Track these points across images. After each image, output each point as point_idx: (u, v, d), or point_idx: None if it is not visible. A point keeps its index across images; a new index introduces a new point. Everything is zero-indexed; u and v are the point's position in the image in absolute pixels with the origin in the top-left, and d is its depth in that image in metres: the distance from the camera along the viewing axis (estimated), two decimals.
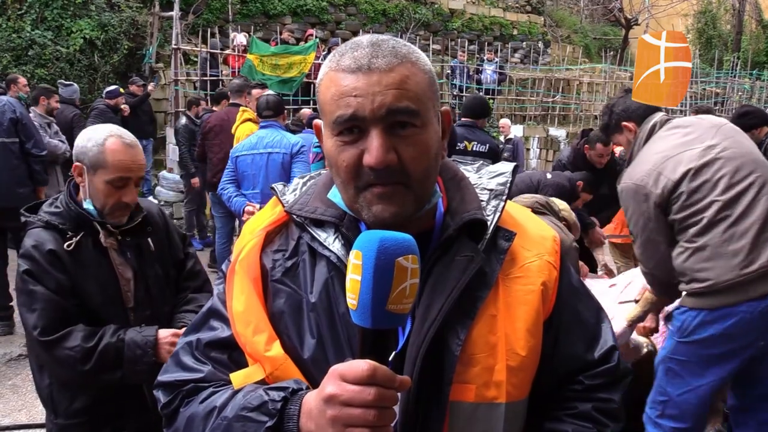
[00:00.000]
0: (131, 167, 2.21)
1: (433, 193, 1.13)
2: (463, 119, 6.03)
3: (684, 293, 2.82)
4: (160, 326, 2.24)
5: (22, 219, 2.19)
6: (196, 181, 8.41)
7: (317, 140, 1.22)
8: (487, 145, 5.92)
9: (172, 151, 10.21)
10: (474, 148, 5.79)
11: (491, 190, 1.20)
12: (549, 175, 5.15)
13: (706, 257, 2.69)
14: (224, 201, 5.48)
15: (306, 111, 9.06)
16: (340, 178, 1.08)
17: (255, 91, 6.07)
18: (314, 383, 1.05)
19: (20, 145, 5.61)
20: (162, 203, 10.54)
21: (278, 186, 1.25)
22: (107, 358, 2.09)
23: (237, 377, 1.11)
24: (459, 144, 5.74)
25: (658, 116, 3.13)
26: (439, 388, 1.07)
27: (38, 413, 4.27)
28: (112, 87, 9.64)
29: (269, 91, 6.38)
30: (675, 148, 2.84)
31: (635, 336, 3.32)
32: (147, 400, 2.22)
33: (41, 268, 2.10)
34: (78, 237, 2.16)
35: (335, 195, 1.14)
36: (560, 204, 3.54)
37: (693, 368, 2.78)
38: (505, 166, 1.25)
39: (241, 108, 6.15)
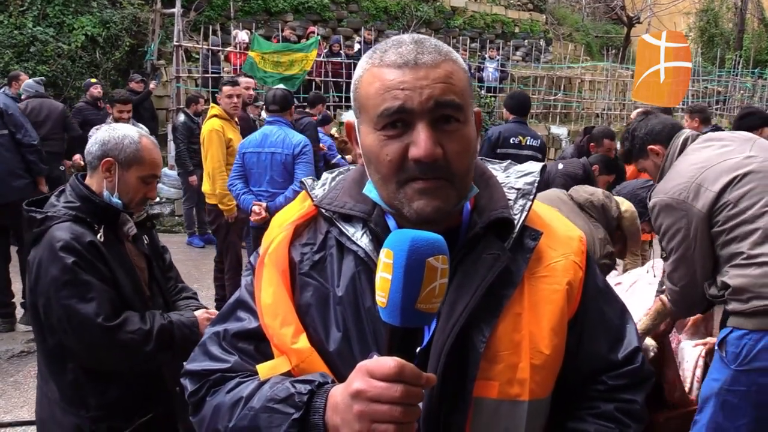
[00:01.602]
0: (159, 165, 2.39)
1: (471, 188, 1.14)
2: (513, 116, 6.19)
3: (738, 315, 2.55)
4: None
5: (38, 216, 2.20)
6: (194, 178, 8.42)
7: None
8: (539, 140, 6.14)
9: (173, 149, 10.22)
10: (528, 143, 5.90)
11: (519, 189, 1.21)
12: (561, 165, 5.11)
13: None
14: (233, 196, 5.52)
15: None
16: (380, 174, 1.08)
17: (242, 80, 6.04)
18: (339, 376, 1.06)
19: (10, 136, 5.50)
20: (163, 200, 10.56)
21: (308, 180, 1.27)
22: (163, 339, 2.21)
23: (263, 368, 1.13)
24: (513, 138, 5.91)
25: (687, 131, 2.94)
26: (463, 384, 1.08)
27: None
28: (87, 81, 9.52)
29: (248, 80, 6.30)
30: (712, 159, 2.67)
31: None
32: (168, 385, 2.30)
33: (87, 259, 2.14)
34: (102, 230, 2.24)
35: (371, 191, 1.15)
36: (625, 205, 3.10)
37: (755, 397, 2.52)
38: (533, 166, 1.26)
39: (211, 104, 6.13)
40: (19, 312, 5.63)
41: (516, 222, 1.15)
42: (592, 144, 5.84)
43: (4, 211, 5.40)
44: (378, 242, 1.11)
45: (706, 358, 3.56)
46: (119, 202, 2.30)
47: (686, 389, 3.46)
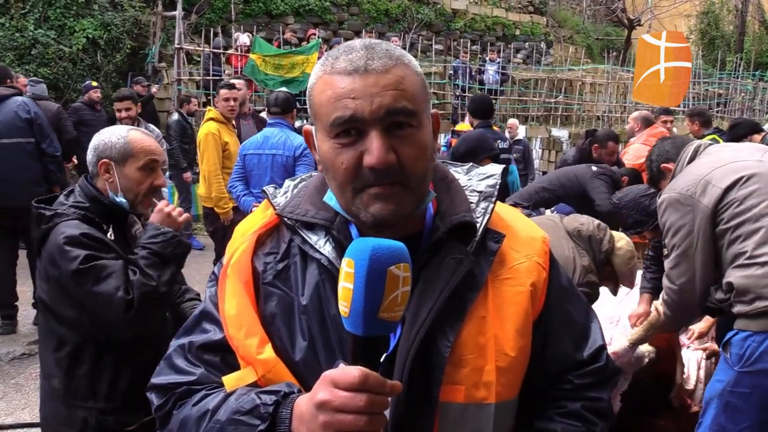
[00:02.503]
0: (156, 150, 2.39)
1: (428, 193, 1.14)
2: (479, 120, 6.06)
3: (743, 317, 2.55)
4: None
5: (47, 213, 2.24)
6: (188, 175, 8.47)
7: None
8: (507, 141, 6.14)
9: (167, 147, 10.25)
10: (499, 146, 5.84)
11: (480, 192, 1.21)
12: (594, 168, 5.07)
13: None
14: (233, 198, 5.52)
15: None
16: (336, 181, 1.08)
17: (222, 92, 6.05)
18: (306, 385, 1.06)
19: (36, 145, 5.59)
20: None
21: (269, 189, 1.27)
22: (154, 263, 2.26)
23: (229, 380, 1.12)
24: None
25: (698, 142, 3.00)
26: (429, 389, 1.08)
27: None
28: (86, 82, 9.44)
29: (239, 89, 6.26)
30: (722, 160, 2.72)
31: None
32: None
33: (96, 248, 2.18)
34: (111, 229, 2.29)
35: (331, 198, 1.15)
36: (621, 242, 3.07)
37: (758, 400, 2.52)
38: (494, 168, 1.26)
39: (208, 107, 6.13)
40: (31, 314, 5.65)
41: (478, 225, 1.16)
42: (595, 146, 5.82)
43: (19, 215, 5.44)
44: (341, 249, 1.10)
45: (708, 361, 3.56)
46: (124, 201, 2.33)
47: (690, 390, 3.46)
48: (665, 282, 2.85)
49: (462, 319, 1.10)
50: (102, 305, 2.14)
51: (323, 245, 1.14)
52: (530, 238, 1.23)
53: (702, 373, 3.53)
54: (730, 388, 2.56)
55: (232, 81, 6.91)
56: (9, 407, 4.38)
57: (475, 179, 1.24)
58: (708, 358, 3.58)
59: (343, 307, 0.94)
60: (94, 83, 9.31)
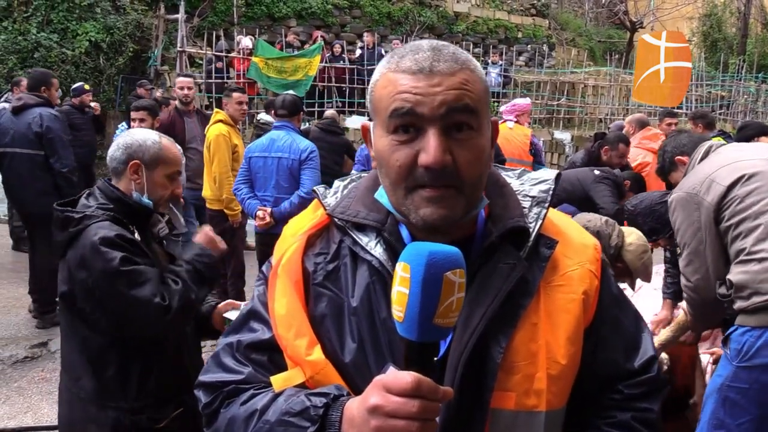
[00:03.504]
0: (181, 161, 2.50)
1: (481, 199, 1.13)
2: None
3: (742, 313, 2.59)
4: None
5: (75, 215, 2.26)
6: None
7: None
8: None
9: None
10: None
11: (533, 197, 1.19)
12: (597, 171, 5.05)
13: None
14: (238, 201, 5.52)
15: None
16: (390, 179, 1.08)
17: (235, 95, 6.03)
18: (354, 388, 1.06)
19: (45, 158, 5.63)
20: None
21: (320, 189, 1.26)
22: (194, 278, 2.36)
23: (277, 380, 1.12)
24: None
25: (711, 142, 3.04)
26: (480, 395, 1.07)
27: (44, 415, 4.28)
28: (77, 84, 9.20)
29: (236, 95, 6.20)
30: (728, 159, 2.78)
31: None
32: (192, 378, 2.44)
33: (131, 251, 2.22)
34: (134, 229, 2.34)
35: (382, 195, 1.14)
36: (632, 237, 2.99)
37: (756, 395, 2.54)
38: (548, 173, 1.25)
39: (215, 109, 6.12)
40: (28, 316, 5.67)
41: (531, 230, 1.14)
42: (605, 148, 5.79)
43: (36, 221, 5.63)
44: (392, 251, 1.10)
45: (715, 366, 3.54)
46: (149, 202, 2.39)
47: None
48: (682, 281, 2.89)
49: (514, 326, 1.09)
50: (138, 310, 2.19)
51: (374, 247, 1.13)
52: (583, 245, 1.22)
53: (708, 378, 3.51)
54: (729, 383, 2.59)
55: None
56: (12, 411, 4.37)
57: (528, 184, 1.23)
58: (715, 363, 3.56)
59: (398, 311, 0.93)
60: (87, 86, 9.18)
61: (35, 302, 5.73)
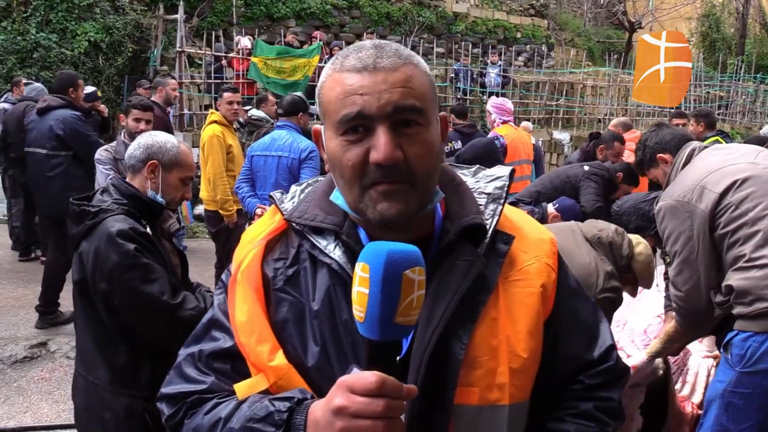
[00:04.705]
0: (195, 167, 2.61)
1: (435, 193, 1.13)
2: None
3: (743, 318, 2.58)
4: None
5: (91, 209, 2.35)
6: None
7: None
8: (459, 141, 6.13)
9: None
10: (455, 147, 5.86)
11: (489, 194, 1.21)
12: (587, 167, 5.04)
13: None
14: (239, 199, 5.57)
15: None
16: (344, 179, 1.09)
17: (225, 95, 6.06)
18: (319, 391, 1.06)
19: (63, 158, 5.78)
20: None
21: (276, 194, 1.26)
22: None
23: (241, 387, 1.12)
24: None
25: (695, 143, 3.01)
26: (443, 392, 1.08)
27: (43, 415, 4.28)
28: (90, 89, 8.73)
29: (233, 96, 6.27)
30: (717, 164, 2.73)
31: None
32: None
33: (144, 245, 2.31)
34: (146, 225, 2.42)
35: (338, 197, 1.15)
36: (640, 247, 2.96)
37: (759, 400, 2.54)
38: (502, 170, 1.26)
39: (210, 110, 6.14)
40: (33, 317, 5.71)
41: (488, 227, 1.15)
42: (601, 147, 5.81)
43: (58, 223, 5.65)
44: (351, 254, 1.11)
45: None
46: (162, 201, 2.50)
47: (690, 396, 3.43)
48: (672, 290, 2.85)
49: (475, 321, 1.10)
50: (146, 304, 2.27)
51: (333, 250, 1.13)
52: (539, 239, 1.23)
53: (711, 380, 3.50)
54: (732, 389, 2.58)
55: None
56: (11, 411, 4.36)
57: (483, 181, 1.24)
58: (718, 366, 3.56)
59: (358, 312, 0.93)
60: (100, 93, 9.06)
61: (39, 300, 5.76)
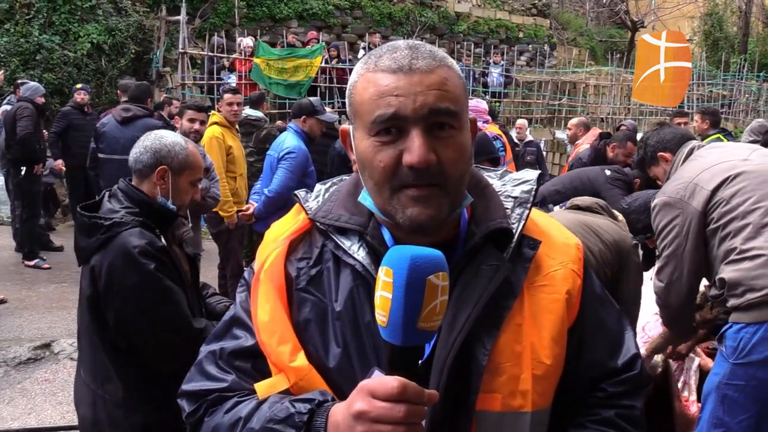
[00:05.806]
0: (203, 168, 2.53)
1: (465, 197, 1.12)
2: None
3: (736, 310, 2.60)
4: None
5: (104, 222, 2.20)
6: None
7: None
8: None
9: None
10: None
11: (516, 197, 1.19)
12: (608, 171, 5.02)
13: (762, 263, 2.52)
14: None
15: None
16: (373, 180, 1.07)
17: (225, 96, 6.10)
18: (339, 393, 1.05)
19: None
20: None
21: (300, 192, 1.25)
22: None
23: (261, 387, 1.11)
24: None
25: (694, 142, 3.07)
26: (466, 397, 1.07)
27: (47, 417, 4.29)
28: (80, 85, 9.05)
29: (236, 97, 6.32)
30: (710, 162, 2.80)
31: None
32: None
33: (164, 263, 2.19)
34: (160, 234, 2.30)
35: (365, 198, 1.13)
36: (620, 216, 3.23)
37: (754, 392, 2.55)
38: (530, 174, 1.25)
39: (212, 111, 6.17)
40: (37, 318, 5.69)
41: (514, 232, 1.14)
42: (613, 145, 5.80)
43: None
44: (375, 255, 1.10)
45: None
46: (173, 207, 2.38)
47: (689, 396, 3.43)
48: (655, 282, 2.91)
49: (499, 327, 1.09)
50: (170, 324, 2.18)
51: (357, 250, 1.13)
52: (565, 245, 1.22)
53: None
54: (726, 381, 2.59)
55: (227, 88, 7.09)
56: (15, 412, 4.37)
57: (510, 185, 1.23)
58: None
59: (381, 316, 0.92)
60: (79, 85, 8.95)
61: None
